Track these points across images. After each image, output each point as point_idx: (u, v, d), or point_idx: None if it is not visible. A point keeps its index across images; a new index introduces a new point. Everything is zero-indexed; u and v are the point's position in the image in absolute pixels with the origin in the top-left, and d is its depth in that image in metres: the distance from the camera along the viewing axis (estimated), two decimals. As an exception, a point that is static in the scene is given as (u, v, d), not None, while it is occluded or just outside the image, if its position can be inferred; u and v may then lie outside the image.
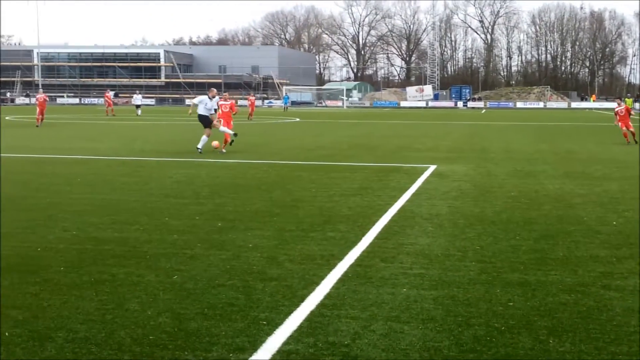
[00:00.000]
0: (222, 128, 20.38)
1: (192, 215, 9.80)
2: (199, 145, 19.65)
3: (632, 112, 25.44)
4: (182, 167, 16.44)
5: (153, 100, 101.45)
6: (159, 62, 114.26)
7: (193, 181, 13.71)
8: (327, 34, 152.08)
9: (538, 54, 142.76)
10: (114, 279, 6.52)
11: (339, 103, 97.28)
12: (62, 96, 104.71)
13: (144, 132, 31.49)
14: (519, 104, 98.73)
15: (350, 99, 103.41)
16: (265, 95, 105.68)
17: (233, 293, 6.11)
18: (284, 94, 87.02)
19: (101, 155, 19.17)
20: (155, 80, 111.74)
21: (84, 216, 9.71)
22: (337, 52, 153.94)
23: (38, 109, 35.88)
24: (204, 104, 20.23)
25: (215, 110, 20.69)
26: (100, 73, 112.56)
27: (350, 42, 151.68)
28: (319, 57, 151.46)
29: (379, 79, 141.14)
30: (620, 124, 25.84)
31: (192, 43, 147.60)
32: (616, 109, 26.41)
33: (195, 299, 5.93)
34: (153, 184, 13.39)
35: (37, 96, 37.36)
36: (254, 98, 47.71)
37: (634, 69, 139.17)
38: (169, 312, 5.59)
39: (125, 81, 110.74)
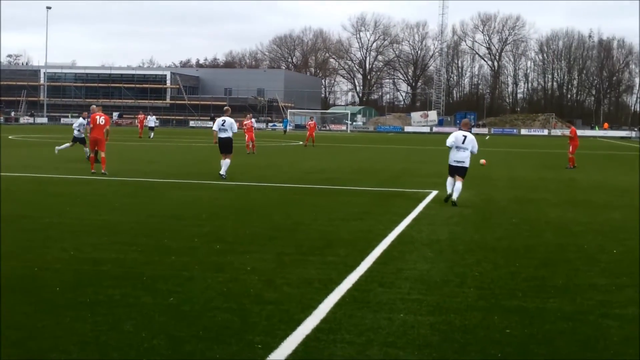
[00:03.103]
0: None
1: (191, 237, 9.78)
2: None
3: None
4: (183, 188, 16.45)
5: (157, 121, 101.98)
6: (165, 84, 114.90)
7: (194, 203, 13.70)
8: (334, 58, 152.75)
9: (544, 82, 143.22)
10: (109, 300, 6.49)
11: (343, 127, 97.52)
12: (67, 116, 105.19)
13: (149, 154, 31.57)
14: (523, 131, 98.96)
15: (354, 123, 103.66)
16: (269, 119, 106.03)
17: (229, 316, 6.07)
18: (286, 117, 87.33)
19: (106, 176, 19.15)
20: (161, 101, 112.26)
21: (82, 237, 9.70)
22: (343, 77, 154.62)
23: (248, 136, 33.04)
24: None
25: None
26: (105, 94, 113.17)
27: (357, 67, 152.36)
28: (325, 81, 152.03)
29: (384, 104, 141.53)
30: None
31: (199, 65, 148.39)
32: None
33: (191, 322, 5.89)
34: (154, 205, 13.39)
35: (245, 122, 33.97)
36: (313, 122, 45.08)
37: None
38: (164, 334, 5.56)
39: (130, 102, 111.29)
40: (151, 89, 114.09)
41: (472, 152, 14.45)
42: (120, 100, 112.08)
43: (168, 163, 25.39)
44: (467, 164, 14.38)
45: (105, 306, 6.30)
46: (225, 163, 18.81)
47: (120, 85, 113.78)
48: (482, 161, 23.38)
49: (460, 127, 15.12)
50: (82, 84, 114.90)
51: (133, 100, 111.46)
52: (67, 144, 26.52)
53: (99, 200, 13.83)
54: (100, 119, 19.74)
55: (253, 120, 35.35)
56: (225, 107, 20.69)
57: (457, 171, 14.29)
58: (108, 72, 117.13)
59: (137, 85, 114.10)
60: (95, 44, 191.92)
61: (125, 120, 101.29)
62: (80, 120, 26.11)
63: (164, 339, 5.45)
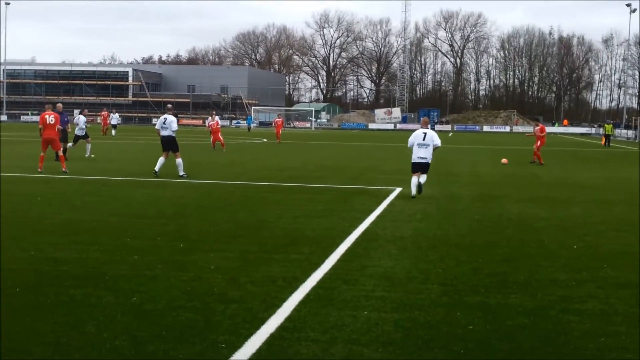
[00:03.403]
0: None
1: (155, 236, 9.70)
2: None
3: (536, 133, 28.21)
4: (146, 186, 16.30)
5: (120, 119, 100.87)
6: (127, 81, 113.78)
7: (157, 201, 13.59)
8: (298, 55, 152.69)
9: (506, 79, 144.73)
10: (71, 301, 6.41)
11: (308, 124, 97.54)
12: (27, 114, 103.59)
13: (111, 152, 31.24)
14: (486, 128, 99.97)
15: (318, 120, 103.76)
16: (233, 116, 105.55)
17: (193, 315, 6.04)
18: (250, 115, 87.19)
19: (67, 174, 18.90)
20: (123, 98, 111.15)
21: (43, 236, 9.56)
22: (307, 74, 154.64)
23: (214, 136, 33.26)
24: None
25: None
26: (66, 91, 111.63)
27: (321, 64, 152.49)
28: (289, 78, 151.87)
29: (348, 101, 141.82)
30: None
31: (161, 62, 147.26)
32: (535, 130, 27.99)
33: (154, 321, 5.84)
34: (116, 203, 13.25)
35: (210, 123, 34.24)
36: (280, 120, 46.10)
37: (600, 94, 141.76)
38: (127, 334, 5.51)
39: (92, 99, 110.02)
40: (113, 85, 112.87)
41: (435, 147, 15.18)
42: (82, 97, 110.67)
43: (131, 161, 25.14)
44: (428, 160, 15.13)
45: (67, 307, 6.22)
46: (178, 163, 18.57)
47: (82, 82, 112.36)
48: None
49: (421, 125, 15.98)
50: (42, 81, 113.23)
51: (95, 98, 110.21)
52: (70, 144, 26.23)
53: (60, 199, 13.65)
54: (50, 117, 19.33)
55: (217, 118, 35.20)
56: (168, 105, 20.41)
57: (420, 168, 15.01)
58: (69, 68, 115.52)
59: (99, 82, 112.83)
60: (55, 41, 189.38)
61: (87, 118, 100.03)
62: (82, 117, 26.85)
63: (127, 339, 5.40)
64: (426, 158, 15.03)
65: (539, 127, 27.80)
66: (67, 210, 12.19)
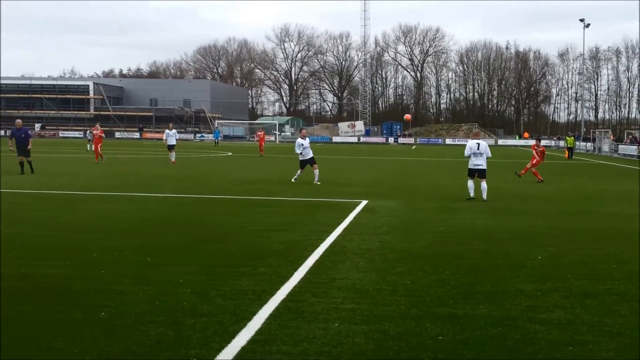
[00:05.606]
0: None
1: (122, 250, 9.61)
2: None
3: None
4: (110, 201, 16.15)
5: (81, 132, 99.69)
6: (88, 95, 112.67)
7: (122, 216, 13.47)
8: (259, 68, 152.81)
9: (466, 92, 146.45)
10: (38, 317, 6.32)
11: (272, 138, 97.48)
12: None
13: (74, 166, 30.88)
14: (448, 141, 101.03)
15: (282, 133, 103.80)
16: (197, 129, 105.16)
17: (162, 329, 6.00)
18: (214, 128, 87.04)
19: (25, 189, 18.66)
20: (84, 112, 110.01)
21: (9, 252, 9.41)
22: (270, 87, 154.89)
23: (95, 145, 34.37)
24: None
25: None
26: (27, 105, 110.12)
27: (283, 77, 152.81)
28: (251, 91, 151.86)
29: (312, 114, 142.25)
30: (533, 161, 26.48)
31: (122, 76, 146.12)
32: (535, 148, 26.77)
33: (124, 336, 5.80)
34: (83, 218, 13.10)
35: (95, 132, 35.94)
36: (262, 133, 47.45)
37: (557, 107, 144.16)
38: (96, 350, 5.46)
39: (52, 113, 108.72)
40: (74, 99, 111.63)
41: (486, 157, 17.58)
42: (42, 111, 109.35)
43: (101, 175, 24.85)
44: (484, 167, 17.58)
45: (34, 324, 6.13)
46: None
47: (42, 95, 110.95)
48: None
49: (472, 137, 18.57)
50: (1, 95, 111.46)
51: (55, 111, 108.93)
52: (299, 171, 23.44)
53: (11, 214, 13.44)
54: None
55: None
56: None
57: (477, 173, 17.55)
58: (28, 82, 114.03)
59: (59, 96, 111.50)
60: (9, 52, 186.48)
61: (48, 132, 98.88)
62: (299, 140, 23.23)
63: (96, 355, 5.36)
64: (481, 165, 17.47)
65: (542, 149, 26.81)
66: (30, 226, 12.01)
